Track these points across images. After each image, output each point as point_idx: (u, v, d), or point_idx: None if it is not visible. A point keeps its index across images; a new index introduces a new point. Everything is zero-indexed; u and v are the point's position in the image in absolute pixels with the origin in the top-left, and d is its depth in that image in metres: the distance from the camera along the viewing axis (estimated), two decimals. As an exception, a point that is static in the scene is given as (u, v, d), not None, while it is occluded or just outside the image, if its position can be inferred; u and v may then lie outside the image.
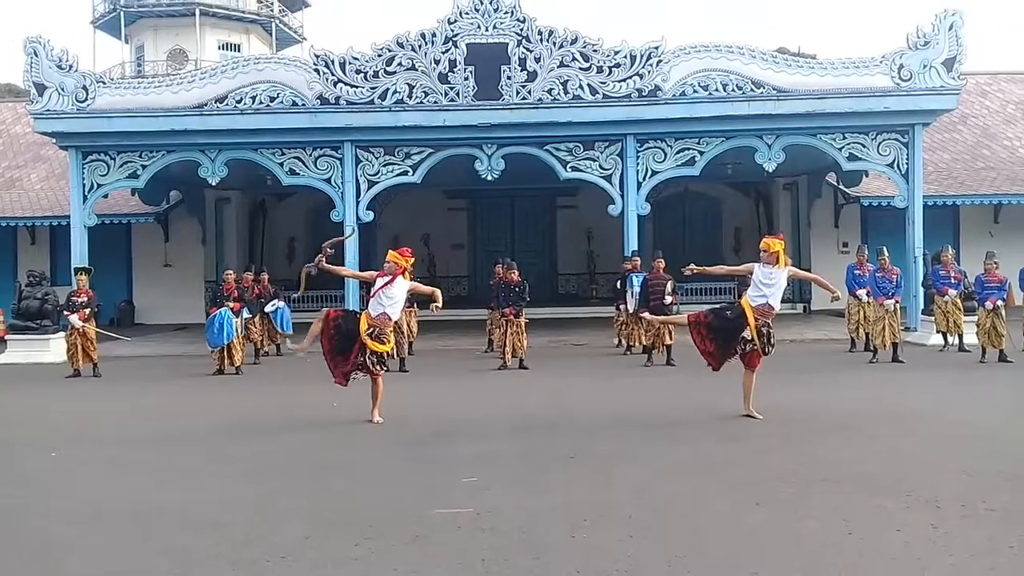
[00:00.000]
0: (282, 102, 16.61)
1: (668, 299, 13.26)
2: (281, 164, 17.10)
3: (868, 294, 13.61)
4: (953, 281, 13.89)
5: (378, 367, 8.59)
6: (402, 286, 8.56)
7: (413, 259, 8.66)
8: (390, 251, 8.72)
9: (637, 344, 14.15)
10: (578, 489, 6.05)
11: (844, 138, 16.74)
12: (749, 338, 8.43)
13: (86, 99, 16.55)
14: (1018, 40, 45.69)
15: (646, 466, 6.72)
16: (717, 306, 8.90)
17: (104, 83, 17.18)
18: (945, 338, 14.15)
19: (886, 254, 13.50)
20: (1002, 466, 6.38)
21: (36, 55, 16.52)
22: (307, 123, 16.66)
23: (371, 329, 8.44)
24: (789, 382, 10.66)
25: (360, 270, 17.68)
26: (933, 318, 14.34)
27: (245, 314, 14.37)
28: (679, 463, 6.81)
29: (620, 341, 14.91)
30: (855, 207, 21.43)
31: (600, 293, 23.31)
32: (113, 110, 16.60)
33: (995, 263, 13.05)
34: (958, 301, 13.80)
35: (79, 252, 16.82)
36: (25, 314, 16.04)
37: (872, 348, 13.16)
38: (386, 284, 8.47)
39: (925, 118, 16.88)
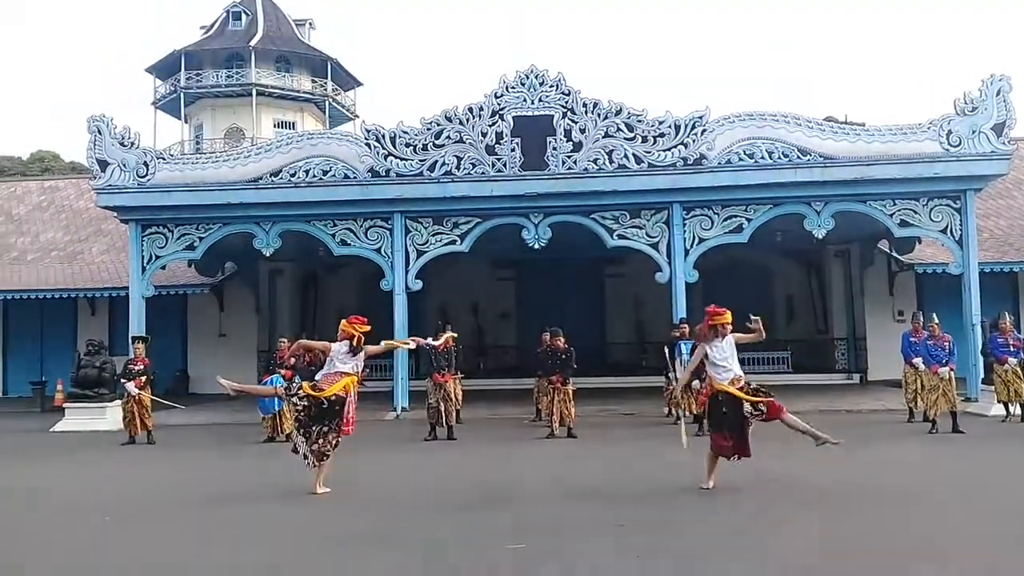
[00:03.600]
0: (334, 175, 17.03)
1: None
2: (333, 235, 17.45)
3: (923, 362, 13.30)
4: (1012, 348, 13.54)
5: (330, 429, 8.54)
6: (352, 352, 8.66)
7: (368, 327, 8.73)
8: (342, 321, 8.83)
9: (687, 413, 13.93)
10: (628, 558, 5.93)
11: (894, 204, 16.59)
12: (751, 410, 8.20)
13: (146, 174, 17.15)
14: (1071, 105, 45.24)
15: (697, 536, 6.59)
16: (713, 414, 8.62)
17: (164, 159, 17.82)
18: (1007, 407, 13.74)
19: (936, 321, 13.23)
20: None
21: (100, 133, 17.22)
22: (358, 195, 17.04)
23: (313, 385, 8.57)
24: (847, 454, 10.39)
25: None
26: (993, 387, 13.94)
27: (298, 381, 14.47)
28: (731, 533, 6.66)
29: (670, 410, 14.72)
30: (910, 274, 21.10)
31: (650, 362, 23.11)
32: (172, 184, 17.15)
33: (1055, 330, 12.71)
34: (1018, 369, 13.42)
35: (137, 321, 17.23)
36: (83, 382, 16.41)
37: (931, 419, 12.80)
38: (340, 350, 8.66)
39: (976, 183, 16.68)
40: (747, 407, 8.18)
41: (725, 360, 8.29)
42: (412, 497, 8.52)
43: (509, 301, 26.18)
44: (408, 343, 9.98)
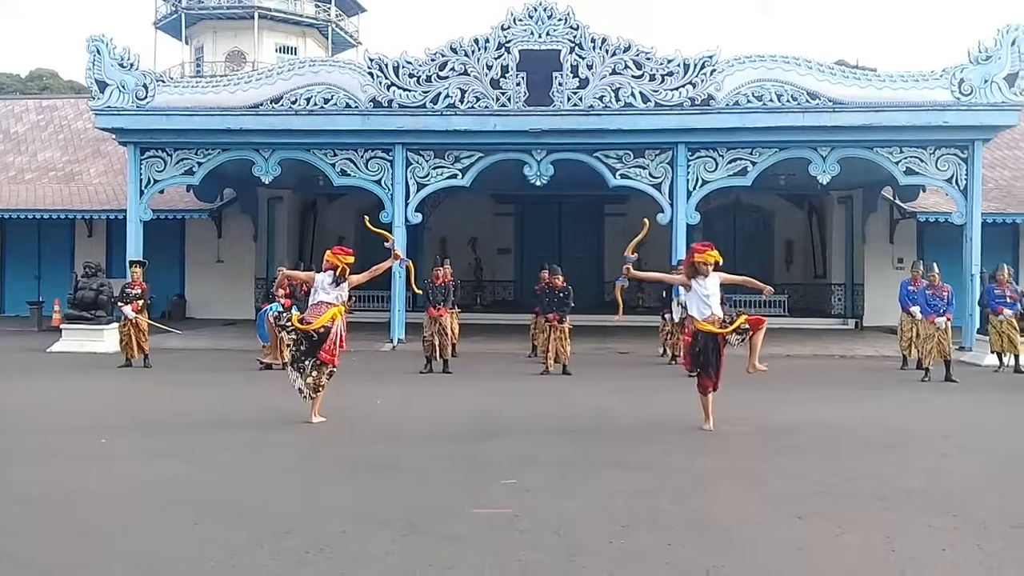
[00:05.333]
0: (336, 104, 16.82)
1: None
2: (333, 165, 17.32)
3: (921, 311, 13.32)
4: (1009, 300, 13.55)
5: (322, 359, 8.56)
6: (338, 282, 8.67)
7: (352, 258, 8.70)
8: (327, 252, 8.82)
9: (682, 354, 14.01)
10: (617, 495, 6.01)
11: (901, 152, 16.44)
12: (736, 338, 8.24)
13: (146, 97, 16.93)
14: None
15: (687, 474, 6.67)
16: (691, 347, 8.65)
17: (163, 82, 17.57)
18: (1000, 358, 13.81)
19: (936, 271, 13.22)
20: (1055, 489, 6.20)
21: (99, 53, 16.94)
22: (360, 125, 16.85)
23: (301, 318, 8.61)
24: (839, 397, 10.48)
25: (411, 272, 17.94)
26: (988, 338, 14.00)
27: (294, 311, 14.50)
28: (720, 472, 6.73)
29: (665, 350, 14.81)
30: (911, 222, 21.02)
31: (647, 302, 23.17)
32: (171, 108, 16.95)
33: (1054, 283, 12.71)
34: (1013, 321, 13.45)
35: (134, 245, 17.18)
36: (80, 304, 16.45)
37: (924, 367, 12.88)
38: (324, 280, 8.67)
39: (985, 134, 16.52)
40: (732, 339, 8.24)
41: (708, 298, 8.29)
42: (406, 429, 8.60)
43: (508, 237, 26.13)
44: (392, 246, 9.79)
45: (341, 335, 8.67)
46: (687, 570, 4.51)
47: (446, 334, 13.25)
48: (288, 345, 8.81)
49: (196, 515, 5.45)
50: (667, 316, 14.47)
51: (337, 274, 8.66)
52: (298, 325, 8.55)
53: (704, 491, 6.18)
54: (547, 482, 6.36)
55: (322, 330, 8.53)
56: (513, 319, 19.97)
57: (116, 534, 5.07)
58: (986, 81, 15.88)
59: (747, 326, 8.23)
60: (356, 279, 8.86)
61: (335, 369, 8.73)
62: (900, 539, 5.01)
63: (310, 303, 8.80)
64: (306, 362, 8.61)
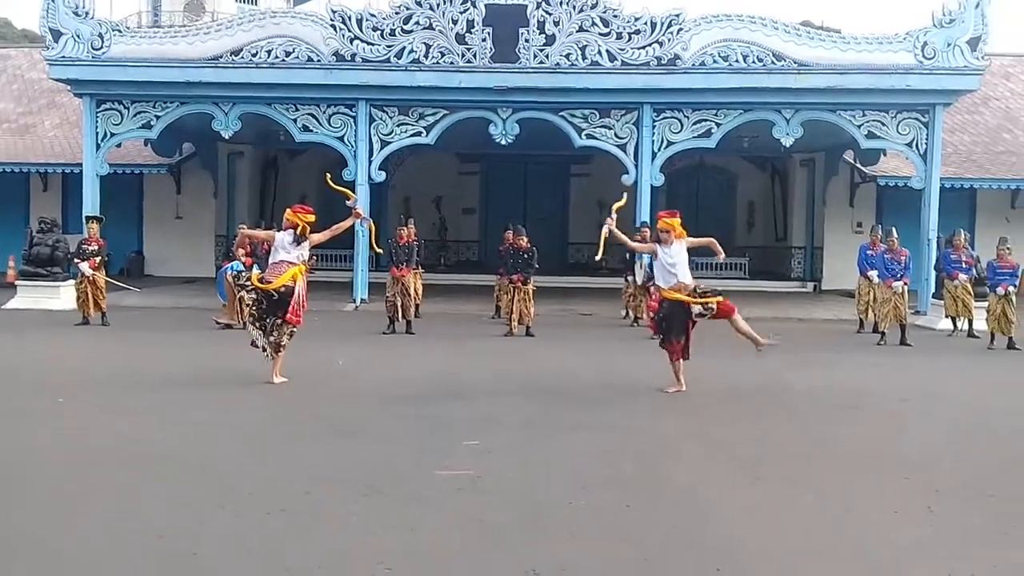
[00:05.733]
0: (298, 57, 16.49)
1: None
2: (295, 120, 17.02)
3: (878, 275, 13.51)
4: (964, 265, 13.76)
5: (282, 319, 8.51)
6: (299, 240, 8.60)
7: (313, 217, 8.64)
8: (287, 210, 8.76)
9: (644, 316, 14.11)
10: (579, 456, 6.06)
11: (864, 115, 16.54)
12: (700, 309, 8.30)
13: (101, 47, 16.46)
14: (1046, 23, 45.06)
15: (648, 436, 6.74)
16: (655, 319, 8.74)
17: (120, 32, 17.07)
18: (954, 323, 14.07)
19: (895, 235, 13.39)
20: (1003, 452, 6.37)
21: (53, 1, 16.40)
22: (322, 79, 16.54)
23: (261, 277, 8.55)
24: (796, 361, 10.63)
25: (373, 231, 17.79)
26: (943, 302, 14.25)
27: (255, 269, 14.35)
28: (681, 434, 6.82)
29: (627, 312, 14.89)
30: (871, 186, 21.24)
31: (610, 264, 23.21)
32: (128, 59, 16.51)
33: (1008, 249, 12.91)
34: (968, 286, 13.68)
35: (91, 200, 16.83)
36: (36, 260, 16.11)
37: (880, 331, 13.09)
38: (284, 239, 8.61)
39: (947, 98, 16.67)
40: (696, 308, 8.27)
41: (673, 266, 8.33)
42: (368, 390, 8.57)
43: (473, 196, 25.99)
44: (354, 204, 9.60)
45: (302, 295, 8.59)
46: (647, 531, 4.57)
47: (409, 295, 13.18)
48: (248, 304, 8.71)
49: (155, 476, 5.40)
50: (630, 278, 14.53)
51: (297, 233, 8.57)
52: (258, 284, 8.45)
53: (665, 453, 6.25)
54: (510, 443, 6.40)
55: (283, 290, 8.44)
56: (477, 280, 19.91)
57: (75, 495, 5.01)
58: (949, 45, 15.97)
59: (713, 307, 8.26)
60: (317, 238, 8.77)
61: (295, 329, 8.66)
62: (854, 501, 5.12)
63: (270, 262, 8.71)
64: (267, 320, 8.54)
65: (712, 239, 8.77)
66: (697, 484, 5.45)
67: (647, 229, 14.76)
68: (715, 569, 4.06)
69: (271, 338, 8.54)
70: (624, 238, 9.14)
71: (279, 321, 8.50)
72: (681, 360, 8.47)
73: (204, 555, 4.15)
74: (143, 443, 6.28)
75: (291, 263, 8.53)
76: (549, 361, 10.79)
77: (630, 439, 6.64)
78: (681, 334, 8.41)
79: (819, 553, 4.30)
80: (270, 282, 8.43)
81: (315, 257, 22.11)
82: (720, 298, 8.38)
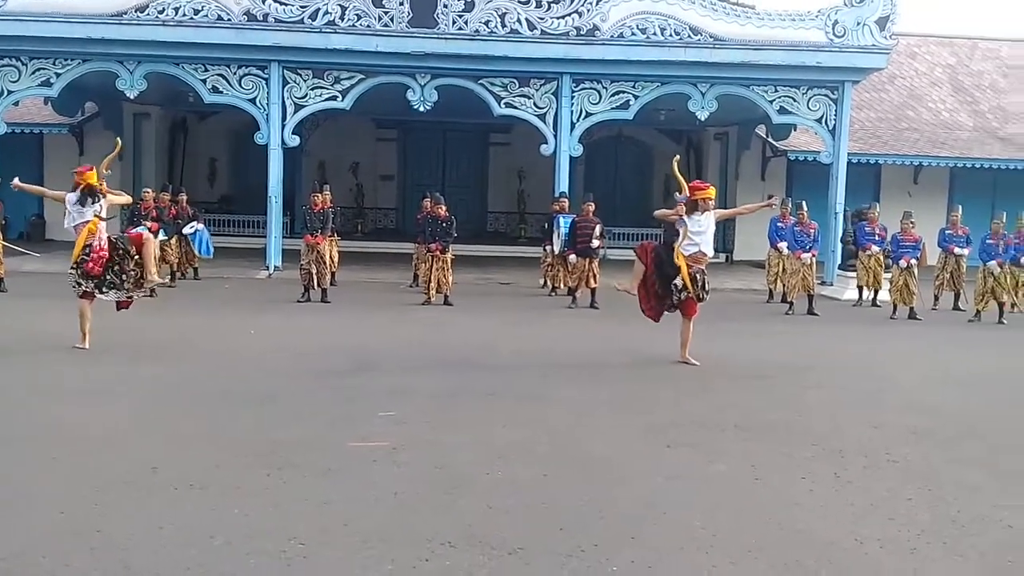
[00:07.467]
0: (207, 16, 15.87)
1: (595, 243, 13.27)
2: (204, 81, 16.41)
3: (788, 247, 13.85)
4: (877, 238, 14.21)
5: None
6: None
7: (91, 172, 8.70)
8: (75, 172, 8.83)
9: (562, 286, 14.20)
10: (496, 427, 6.06)
11: (776, 91, 16.86)
12: (681, 286, 8.47)
13: (-3, -1, 15.58)
14: (949, 4, 46.67)
15: (564, 406, 6.78)
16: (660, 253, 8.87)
17: (17, -17, 16.14)
18: (861, 292, 14.55)
19: (805, 208, 13.76)
20: (906, 420, 6.62)
21: (-59, -52, 15.41)
22: (232, 39, 15.96)
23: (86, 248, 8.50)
24: (708, 331, 10.81)
25: (284, 198, 17.35)
26: (855, 273, 14.69)
27: (161, 236, 13.89)
28: (597, 404, 6.88)
29: (545, 282, 14.94)
30: (782, 161, 21.73)
31: (529, 233, 23.26)
32: (26, 13, 15.61)
33: (912, 223, 13.40)
34: (880, 257, 14.13)
35: (-14, 161, 15.99)
36: (-75, 224, 15.23)
37: (789, 300, 13.46)
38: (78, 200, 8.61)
39: (855, 75, 17.10)
40: (678, 281, 8.45)
41: (698, 235, 8.55)
42: (281, 360, 8.40)
43: (391, 163, 25.60)
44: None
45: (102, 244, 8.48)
46: (562, 499, 4.59)
47: (324, 262, 12.93)
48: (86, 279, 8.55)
49: (53, 451, 5.18)
50: (548, 248, 14.56)
51: (81, 193, 8.53)
52: (77, 257, 8.43)
53: (580, 422, 6.30)
54: (425, 414, 6.35)
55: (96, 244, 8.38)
56: (395, 248, 19.70)
57: (-35, 472, 4.77)
58: (859, 24, 16.36)
59: (683, 297, 8.47)
60: (114, 200, 9.00)
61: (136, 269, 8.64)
62: (764, 468, 5.25)
63: (72, 225, 8.57)
64: (107, 278, 8.52)
65: (741, 207, 8.99)
66: (612, 453, 5.51)
67: (565, 199, 14.82)
68: (630, 537, 4.11)
69: (127, 287, 8.64)
70: (663, 213, 9.38)
71: (118, 270, 8.54)
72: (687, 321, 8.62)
73: (108, 531, 4.00)
74: (36, 413, 6.01)
75: (87, 222, 8.48)
76: (467, 330, 10.75)
77: (546, 409, 6.66)
78: (662, 299, 8.57)
79: (731, 519, 4.39)
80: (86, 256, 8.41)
81: (233, 223, 21.70)
82: (699, 298, 8.57)
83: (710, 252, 8.71)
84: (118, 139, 10.42)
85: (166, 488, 4.59)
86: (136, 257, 8.62)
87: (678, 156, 10.25)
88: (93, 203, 8.51)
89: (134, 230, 12.49)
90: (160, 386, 7.06)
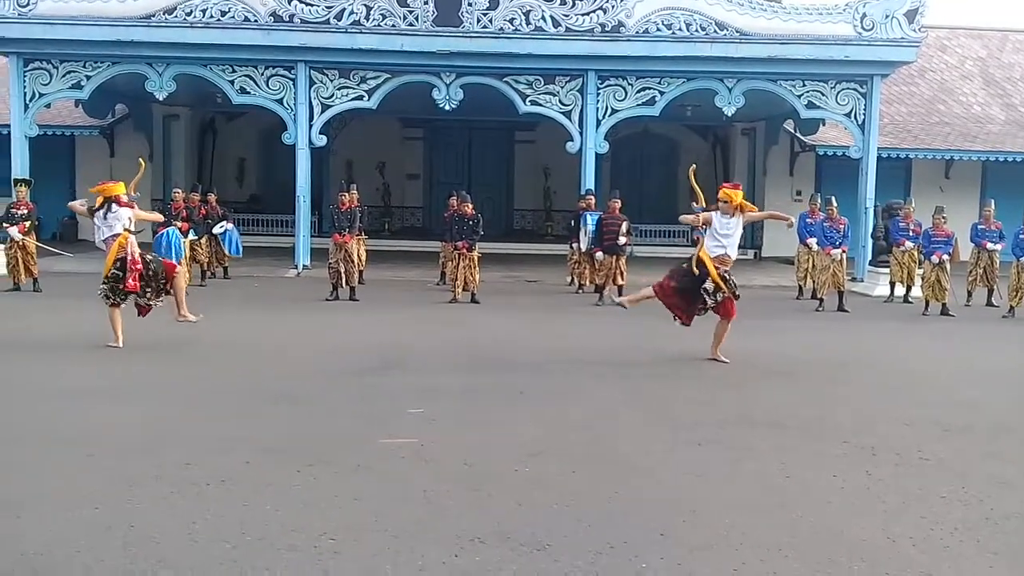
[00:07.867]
0: (234, 17, 16.04)
1: (622, 239, 13.23)
2: (232, 82, 16.57)
3: (818, 243, 13.73)
4: (912, 234, 14.03)
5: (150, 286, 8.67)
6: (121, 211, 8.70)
7: (112, 186, 8.81)
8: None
9: (589, 283, 14.18)
10: (524, 424, 6.06)
11: (804, 85, 16.73)
12: (713, 288, 8.35)
13: (28, 4, 15.81)
14: (980, -3, 46.06)
15: (593, 404, 6.77)
16: (678, 268, 8.77)
17: (47, -13, 16.38)
18: (892, 289, 14.39)
19: (834, 204, 13.62)
20: (938, 417, 6.54)
21: (-25, -45, 15.67)
22: (260, 40, 16.11)
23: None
24: (737, 327, 10.74)
25: (312, 197, 17.47)
26: (888, 269, 14.53)
27: (191, 235, 14.05)
28: (625, 402, 6.86)
29: (572, 279, 14.93)
30: (810, 156, 21.55)
31: (555, 230, 23.24)
32: (56, 17, 15.87)
33: (943, 218, 13.24)
34: (914, 253, 13.98)
35: (20, 163, 16.27)
36: (-38, 225, 15.48)
37: (819, 297, 13.34)
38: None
39: (884, 69, 16.93)
40: (708, 284, 8.30)
41: (725, 236, 8.44)
42: (310, 358, 8.46)
43: (417, 162, 25.70)
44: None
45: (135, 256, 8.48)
46: (590, 496, 4.59)
47: (352, 261, 13.01)
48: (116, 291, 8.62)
49: (88, 448, 5.25)
50: (575, 245, 14.54)
51: (103, 205, 8.59)
52: (110, 269, 8.47)
53: (608, 419, 6.29)
54: (454, 412, 6.37)
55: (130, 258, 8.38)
56: (421, 246, 19.78)
57: (6, 469, 4.85)
58: (887, 16, 16.18)
59: (720, 298, 8.34)
60: (141, 216, 9.18)
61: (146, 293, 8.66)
62: (794, 466, 5.21)
63: (103, 239, 8.62)
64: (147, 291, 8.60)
65: (771, 212, 8.92)
66: (640, 450, 5.49)
67: (592, 196, 14.79)
68: (660, 535, 4.10)
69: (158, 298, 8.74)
70: (689, 219, 9.32)
71: (148, 289, 8.60)
72: (725, 323, 8.51)
73: (141, 526, 4.05)
74: (74, 413, 6.10)
75: (116, 235, 8.54)
76: (494, 328, 10.77)
77: (574, 406, 6.66)
78: (687, 295, 8.42)
79: (761, 517, 4.36)
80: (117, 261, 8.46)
81: (261, 223, 21.88)
82: (733, 297, 8.44)
83: (734, 255, 8.58)
84: (142, 160, 10.62)
85: (198, 484, 4.64)
86: (165, 283, 8.67)
87: (694, 166, 10.18)
88: (111, 211, 8.55)
89: (164, 241, 12.67)
90: (192, 384, 7.14)
